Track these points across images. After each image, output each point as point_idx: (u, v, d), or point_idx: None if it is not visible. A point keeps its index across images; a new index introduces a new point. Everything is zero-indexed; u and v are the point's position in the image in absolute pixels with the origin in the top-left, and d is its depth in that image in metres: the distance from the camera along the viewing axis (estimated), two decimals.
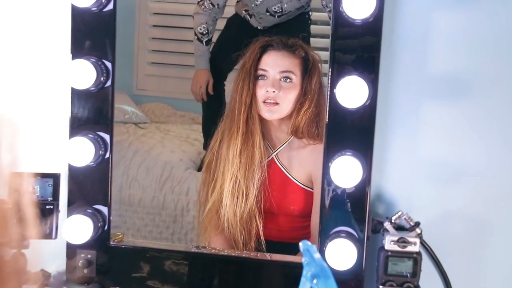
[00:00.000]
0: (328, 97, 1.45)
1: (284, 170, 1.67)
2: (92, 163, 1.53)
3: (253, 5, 1.82)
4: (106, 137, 1.55)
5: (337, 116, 1.45)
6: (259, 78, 1.64)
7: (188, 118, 2.06)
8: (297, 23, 1.84)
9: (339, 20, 1.43)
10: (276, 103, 1.62)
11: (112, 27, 1.53)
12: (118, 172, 1.73)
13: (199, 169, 1.83)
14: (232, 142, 1.65)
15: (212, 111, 1.84)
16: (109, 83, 1.53)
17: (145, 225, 1.83)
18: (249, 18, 1.85)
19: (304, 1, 1.79)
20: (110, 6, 1.51)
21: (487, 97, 1.52)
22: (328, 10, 1.64)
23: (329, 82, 1.45)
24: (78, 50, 1.51)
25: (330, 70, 1.45)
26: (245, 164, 1.64)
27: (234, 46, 1.73)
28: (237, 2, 1.89)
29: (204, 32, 1.86)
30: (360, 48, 1.43)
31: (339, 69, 1.44)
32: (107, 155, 1.55)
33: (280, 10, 1.79)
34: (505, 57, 1.50)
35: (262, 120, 1.65)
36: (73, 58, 1.51)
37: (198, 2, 1.85)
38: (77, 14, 1.50)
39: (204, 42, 1.87)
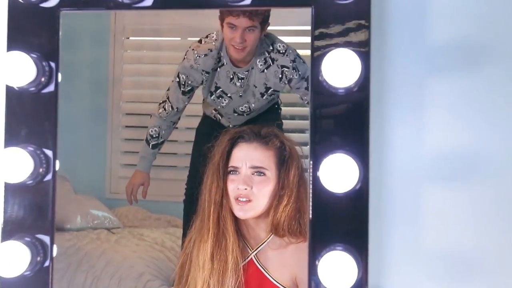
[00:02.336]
0: (311, 182, 1.18)
1: (264, 272, 1.43)
2: (28, 273, 1.23)
3: (219, 107, 1.70)
4: (46, 239, 1.25)
5: (322, 204, 1.15)
6: (230, 172, 1.45)
7: (163, 221, 1.91)
8: (268, 114, 1.70)
9: (319, 91, 1.19)
10: (249, 200, 1.41)
11: (54, 111, 1.27)
12: (86, 283, 1.64)
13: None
14: (202, 245, 1.44)
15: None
16: (49, 176, 1.26)
17: None
18: (220, 118, 1.72)
19: (271, 98, 1.66)
20: (51, 88, 1.27)
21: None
22: (306, 102, 1.50)
23: (311, 164, 1.18)
24: (13, 136, 1.26)
25: (310, 150, 1.18)
26: (218, 269, 1.42)
27: (206, 141, 1.57)
28: (203, 101, 1.76)
29: (154, 136, 1.77)
30: (345, 122, 1.19)
31: (321, 148, 1.17)
32: (47, 263, 1.26)
33: (248, 109, 1.66)
34: None
35: (236, 219, 1.44)
36: (6, 145, 1.25)
37: (160, 103, 1.75)
38: (12, 96, 1.25)
39: (151, 145, 1.77)
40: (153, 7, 1.20)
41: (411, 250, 1.26)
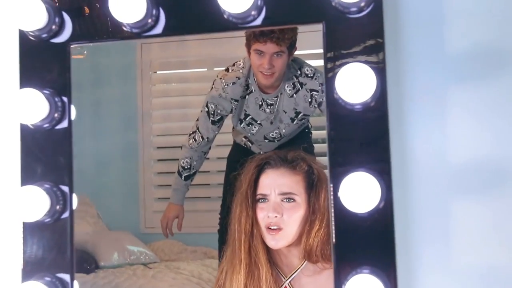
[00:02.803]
0: (332, 203, 1.12)
1: None
2: None
3: (249, 134, 1.66)
4: (66, 277, 1.22)
5: (345, 225, 1.09)
6: (259, 200, 1.39)
7: (200, 253, 1.86)
8: (299, 139, 1.65)
9: (335, 109, 1.14)
10: (280, 229, 1.35)
11: (68, 146, 1.25)
12: None
13: None
14: (235, 277, 1.37)
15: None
16: (66, 213, 1.23)
17: None
18: (250, 145, 1.68)
19: (302, 122, 1.62)
20: (65, 124, 1.24)
21: None
22: None
23: (331, 185, 1.13)
24: (29, 175, 1.23)
25: (329, 170, 1.13)
26: None
27: (234, 169, 1.52)
28: (233, 130, 1.73)
29: (186, 167, 1.74)
30: (364, 139, 1.13)
31: (340, 167, 1.11)
32: None
33: (279, 135, 1.62)
34: None
35: (268, 247, 1.37)
36: (22, 184, 1.23)
37: (190, 134, 1.73)
38: (27, 134, 1.24)
39: (183, 176, 1.74)
40: (163, 34, 1.17)
41: (442, 270, 1.16)
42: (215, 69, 1.83)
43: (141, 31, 1.16)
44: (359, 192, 1.05)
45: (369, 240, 1.09)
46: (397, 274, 1.07)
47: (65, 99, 1.19)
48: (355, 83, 1.05)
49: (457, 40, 1.16)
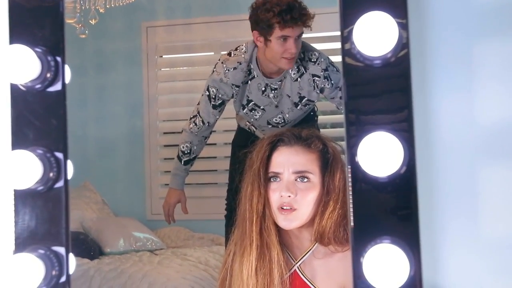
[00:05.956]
0: (349, 169, 1.00)
1: (309, 284, 1.27)
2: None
3: (252, 120, 1.61)
4: (61, 250, 1.11)
5: (364, 191, 0.96)
6: (271, 179, 1.26)
7: (207, 240, 1.87)
8: (303, 123, 1.62)
9: (352, 64, 1.02)
10: (294, 209, 1.24)
11: (63, 110, 1.14)
12: None
13: None
14: (245, 259, 1.25)
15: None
16: (61, 182, 1.11)
17: None
18: (254, 129, 1.65)
19: (306, 108, 1.57)
20: (58, 86, 1.13)
21: None
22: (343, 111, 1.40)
23: (347, 150, 1.01)
24: (20, 139, 1.12)
25: (346, 132, 1.01)
26: (262, 283, 1.24)
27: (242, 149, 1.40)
28: (236, 114, 1.69)
29: (186, 152, 1.71)
30: (384, 96, 1.01)
31: (358, 127, 1.00)
32: (63, 279, 1.11)
33: (283, 120, 1.59)
34: None
35: (279, 229, 1.26)
36: (13, 148, 1.12)
37: (190, 118, 1.69)
38: (17, 95, 1.12)
39: (183, 161, 1.71)
40: None
41: (469, 240, 1.01)
42: (222, 52, 1.77)
43: None
44: (379, 153, 0.92)
45: (390, 206, 0.96)
46: (420, 244, 0.94)
47: (58, 59, 1.07)
48: (374, 33, 0.93)
49: None
